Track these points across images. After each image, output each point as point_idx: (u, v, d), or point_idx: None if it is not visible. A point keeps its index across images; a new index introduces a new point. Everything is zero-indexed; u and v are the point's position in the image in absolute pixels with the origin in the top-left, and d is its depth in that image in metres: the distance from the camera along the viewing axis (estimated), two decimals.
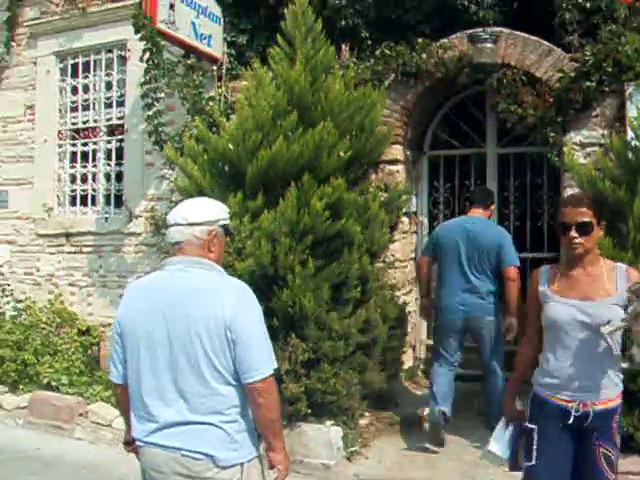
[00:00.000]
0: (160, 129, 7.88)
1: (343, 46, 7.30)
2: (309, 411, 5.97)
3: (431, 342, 7.93)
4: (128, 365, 3.05)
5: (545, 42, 6.85)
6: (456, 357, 6.44)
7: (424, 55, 7.15)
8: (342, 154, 6.14)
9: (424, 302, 6.86)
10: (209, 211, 3.10)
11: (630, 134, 5.94)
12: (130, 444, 3.21)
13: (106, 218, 9.22)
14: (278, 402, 3.03)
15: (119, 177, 9.30)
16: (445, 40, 7.20)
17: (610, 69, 6.43)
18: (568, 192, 6.60)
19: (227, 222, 3.16)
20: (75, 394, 7.63)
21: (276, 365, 3.01)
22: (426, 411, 6.47)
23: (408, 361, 7.89)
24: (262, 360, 2.94)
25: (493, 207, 6.83)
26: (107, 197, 9.44)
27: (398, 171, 7.43)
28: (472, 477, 5.78)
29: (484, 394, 6.61)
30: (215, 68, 7.90)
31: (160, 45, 7.57)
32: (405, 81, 7.32)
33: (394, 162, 7.39)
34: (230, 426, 2.94)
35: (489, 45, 6.89)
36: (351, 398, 6.17)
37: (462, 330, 6.39)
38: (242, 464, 2.98)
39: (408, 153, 7.70)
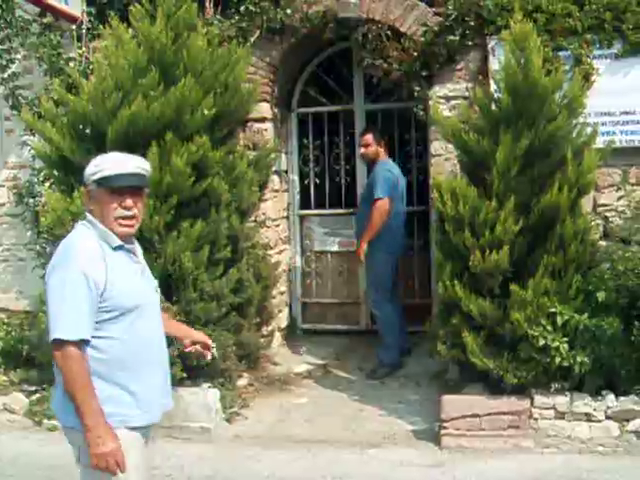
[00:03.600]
0: (17, 92, 7.51)
1: (207, 3, 7.10)
2: (184, 375, 5.84)
3: (307, 300, 8.05)
4: None
5: None
6: None
7: (289, 10, 7.00)
8: (206, 112, 5.99)
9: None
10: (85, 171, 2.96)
11: (493, 87, 6.03)
12: None
13: None
14: (75, 375, 2.73)
15: None
16: None
17: (473, 23, 6.49)
18: (435, 145, 6.70)
19: (105, 174, 2.86)
20: None
21: (72, 335, 2.71)
22: None
23: (285, 320, 7.89)
24: (53, 325, 2.75)
25: None
26: None
27: (266, 129, 7.30)
28: (352, 429, 5.86)
29: None
30: (75, 27, 7.55)
31: (12, 1, 7.19)
32: (270, 38, 7.17)
33: (262, 120, 7.24)
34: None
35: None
36: (227, 359, 6.10)
37: None
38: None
39: (276, 111, 7.60)
